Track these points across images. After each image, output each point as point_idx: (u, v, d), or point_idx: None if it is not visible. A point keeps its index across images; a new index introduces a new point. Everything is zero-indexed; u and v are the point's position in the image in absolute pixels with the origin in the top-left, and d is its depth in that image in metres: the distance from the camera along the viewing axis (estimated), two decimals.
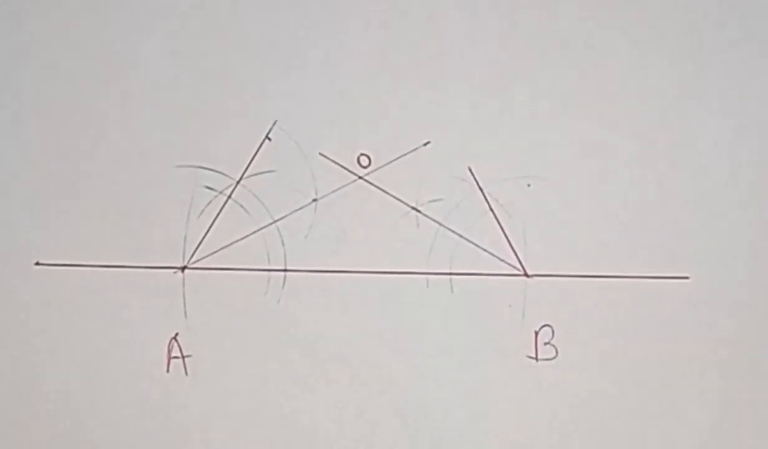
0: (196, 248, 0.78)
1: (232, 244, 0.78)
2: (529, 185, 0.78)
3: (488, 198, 0.78)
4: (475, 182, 0.78)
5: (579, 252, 0.78)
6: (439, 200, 0.78)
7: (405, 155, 0.78)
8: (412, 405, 0.78)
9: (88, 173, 0.79)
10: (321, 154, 0.79)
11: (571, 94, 0.78)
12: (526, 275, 0.78)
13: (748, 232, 0.78)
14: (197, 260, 0.78)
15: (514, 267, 0.78)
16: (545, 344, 0.78)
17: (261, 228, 0.78)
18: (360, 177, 0.79)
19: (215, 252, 0.78)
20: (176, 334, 0.79)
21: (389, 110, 0.79)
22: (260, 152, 0.79)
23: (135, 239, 0.79)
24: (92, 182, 0.79)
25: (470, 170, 0.78)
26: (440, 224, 0.78)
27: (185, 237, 0.78)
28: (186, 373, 0.79)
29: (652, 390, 0.77)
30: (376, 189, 0.78)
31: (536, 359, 0.78)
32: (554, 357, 0.78)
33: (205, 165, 0.79)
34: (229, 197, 0.79)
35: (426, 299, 0.78)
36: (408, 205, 0.78)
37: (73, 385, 0.79)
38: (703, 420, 0.77)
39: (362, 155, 0.79)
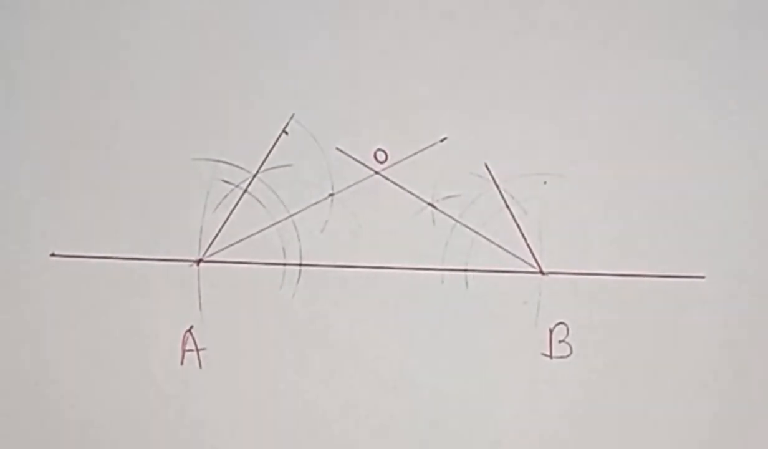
0: (212, 241, 0.79)
1: (247, 238, 0.78)
2: (545, 182, 0.78)
3: (504, 195, 0.78)
4: (491, 179, 0.78)
5: (594, 250, 0.78)
6: (456, 196, 0.78)
7: (422, 150, 0.78)
8: (426, 400, 0.78)
9: (105, 165, 0.79)
10: (338, 148, 0.79)
11: (588, 92, 0.78)
12: (541, 272, 0.78)
13: (764, 232, 0.78)
14: (213, 254, 0.78)
15: (530, 264, 0.78)
16: (560, 342, 0.78)
17: (277, 222, 0.79)
18: (376, 172, 0.79)
19: (231, 246, 0.78)
20: (191, 327, 0.79)
21: (406, 106, 0.79)
22: (277, 145, 0.79)
23: (151, 232, 0.79)
24: (109, 174, 0.79)
25: (487, 167, 0.78)
26: (456, 220, 0.78)
27: (201, 230, 0.79)
28: (200, 366, 0.79)
29: (666, 389, 0.77)
30: (392, 184, 0.78)
31: (551, 356, 0.78)
32: (569, 355, 0.78)
33: (222, 159, 0.79)
34: (246, 190, 0.79)
35: (441, 296, 0.78)
36: (424, 201, 0.78)
37: (87, 377, 0.79)
38: (717, 420, 0.77)
39: (379, 150, 0.79)
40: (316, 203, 0.78)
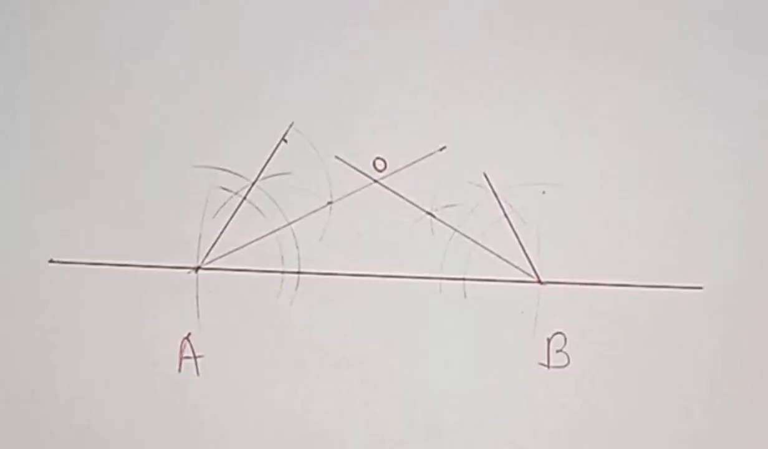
0: (210, 248, 0.79)
1: (246, 245, 0.78)
2: (544, 192, 0.78)
3: (503, 204, 0.78)
4: (490, 188, 0.78)
5: (592, 260, 0.78)
6: (454, 205, 0.78)
7: (421, 159, 0.78)
8: (423, 409, 0.78)
9: (104, 171, 0.80)
10: (337, 157, 0.79)
11: (588, 102, 0.78)
12: (539, 281, 0.78)
13: (761, 243, 0.78)
14: (211, 261, 0.78)
15: (528, 274, 0.78)
16: (557, 351, 0.78)
17: (275, 230, 0.79)
18: (375, 181, 0.79)
19: (229, 253, 0.78)
20: (188, 334, 0.79)
21: (405, 115, 0.79)
22: (276, 153, 0.79)
23: (149, 239, 0.79)
24: (108, 180, 0.79)
25: (485, 176, 0.78)
26: (455, 229, 0.78)
27: (200, 237, 0.79)
28: (198, 373, 0.79)
29: (663, 400, 0.77)
30: (391, 193, 0.79)
31: (548, 366, 0.78)
32: (566, 365, 0.78)
33: (221, 166, 0.79)
34: (244, 198, 0.79)
35: (439, 304, 0.78)
36: (423, 210, 0.78)
37: (85, 383, 0.79)
38: (715, 430, 0.77)
39: (378, 158, 0.79)
40: (314, 211, 0.79)
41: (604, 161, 0.78)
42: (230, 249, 0.79)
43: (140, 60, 0.80)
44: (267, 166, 0.79)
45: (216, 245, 0.79)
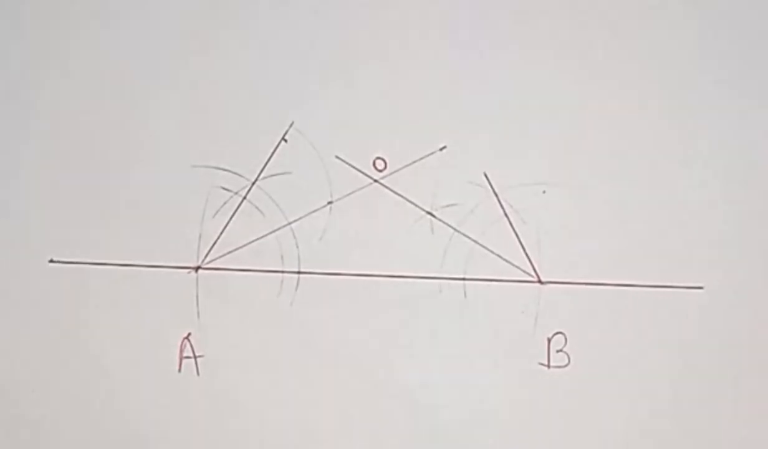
0: (210, 248, 0.79)
1: (246, 245, 0.78)
2: (544, 192, 0.78)
3: (503, 204, 0.78)
4: (490, 188, 0.78)
5: (593, 260, 0.78)
6: (454, 205, 0.78)
7: (421, 159, 0.78)
8: (424, 408, 0.78)
9: (104, 171, 0.80)
10: (337, 157, 0.79)
11: (587, 102, 0.78)
12: (539, 281, 0.78)
13: (762, 242, 0.78)
14: (211, 261, 0.78)
15: (528, 274, 0.78)
16: (558, 351, 0.78)
17: (275, 230, 0.79)
18: (375, 181, 0.79)
19: (229, 253, 0.78)
20: (188, 334, 0.79)
21: (406, 114, 0.79)
22: (276, 153, 0.79)
23: (149, 239, 0.79)
24: (108, 180, 0.79)
25: (486, 176, 0.78)
26: (455, 229, 0.78)
27: (200, 237, 0.79)
28: (198, 373, 0.79)
29: (664, 399, 0.77)
30: (391, 193, 0.78)
31: (548, 366, 0.78)
32: (566, 365, 0.78)
33: (221, 166, 0.79)
34: (244, 198, 0.79)
35: (439, 304, 0.78)
36: (423, 209, 0.78)
37: (84, 383, 0.79)
38: (715, 430, 0.77)
39: (378, 158, 0.79)
40: (314, 211, 0.79)
41: (604, 161, 0.78)
42: (230, 249, 0.79)
43: (140, 60, 0.80)
44: (267, 166, 0.79)
45: (216, 245, 0.79)
